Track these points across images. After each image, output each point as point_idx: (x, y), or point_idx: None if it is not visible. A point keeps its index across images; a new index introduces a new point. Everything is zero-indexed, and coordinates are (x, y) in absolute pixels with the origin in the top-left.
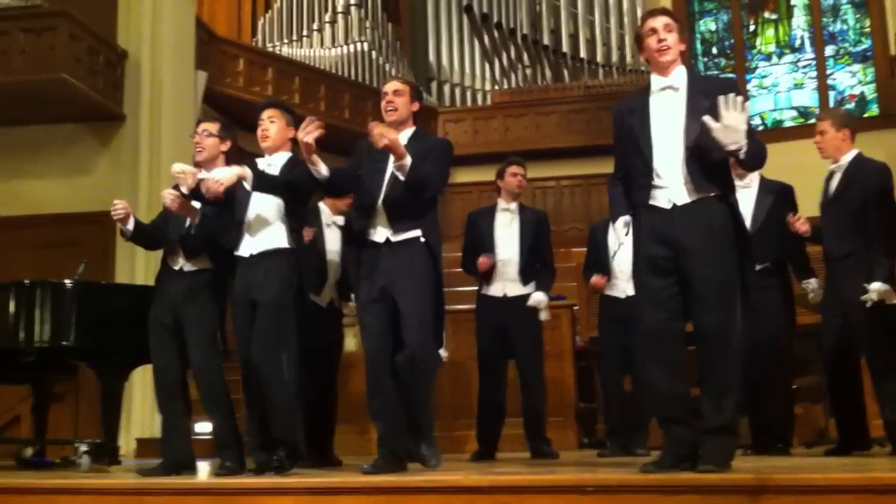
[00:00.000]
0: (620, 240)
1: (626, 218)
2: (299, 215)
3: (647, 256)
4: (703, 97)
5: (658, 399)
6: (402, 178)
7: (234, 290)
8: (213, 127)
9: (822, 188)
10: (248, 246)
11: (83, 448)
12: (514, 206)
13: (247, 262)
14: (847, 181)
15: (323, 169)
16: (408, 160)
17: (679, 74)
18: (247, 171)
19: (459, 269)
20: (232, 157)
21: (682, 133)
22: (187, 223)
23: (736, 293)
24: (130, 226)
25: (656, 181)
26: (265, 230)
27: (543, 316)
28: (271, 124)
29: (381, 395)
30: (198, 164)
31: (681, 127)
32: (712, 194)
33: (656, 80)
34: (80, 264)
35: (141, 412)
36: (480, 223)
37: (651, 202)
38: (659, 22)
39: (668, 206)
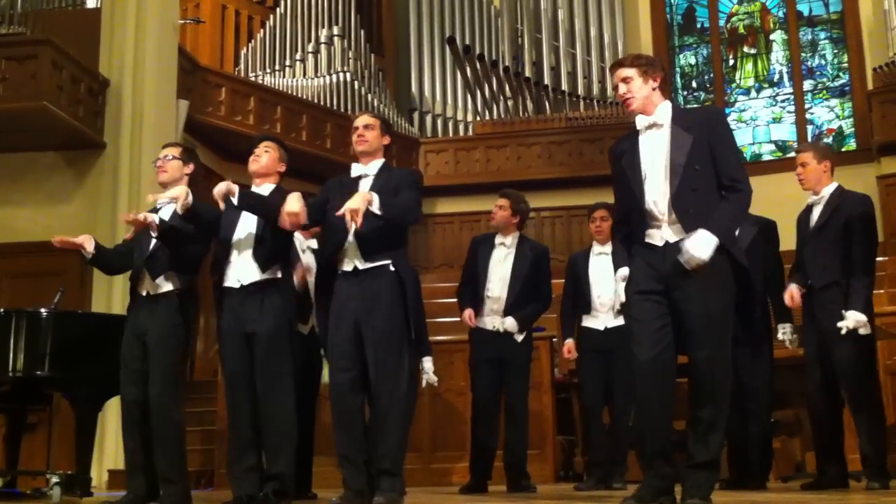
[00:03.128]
0: (621, 297)
1: (624, 272)
2: (284, 249)
3: (641, 291)
4: (685, 132)
5: (648, 432)
6: (378, 213)
7: (223, 321)
8: (175, 150)
9: (800, 222)
10: (239, 275)
11: (54, 479)
12: (509, 240)
13: (238, 292)
14: (830, 213)
15: None
16: (375, 199)
17: (663, 110)
18: (233, 186)
19: (442, 300)
20: (196, 181)
21: (667, 171)
22: (151, 245)
23: (727, 330)
24: (91, 248)
25: (650, 221)
26: (254, 260)
27: (518, 338)
28: (265, 153)
29: (347, 429)
30: (162, 185)
31: (665, 165)
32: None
33: (640, 119)
34: (57, 293)
35: (114, 443)
36: (479, 253)
37: (647, 240)
38: (616, 77)
39: (661, 244)
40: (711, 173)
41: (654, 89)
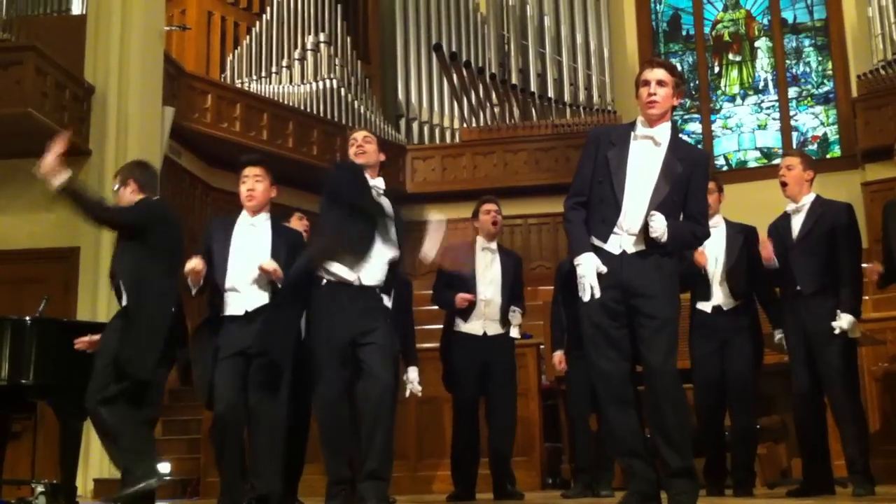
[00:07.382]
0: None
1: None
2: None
3: (599, 299)
4: (678, 162)
5: (616, 435)
6: None
7: (221, 342)
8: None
9: (776, 230)
10: (242, 304)
11: (40, 488)
12: (493, 245)
13: (241, 319)
14: (814, 220)
15: None
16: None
17: (664, 130)
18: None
19: (429, 308)
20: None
21: (652, 190)
22: None
23: (675, 336)
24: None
25: (612, 225)
26: (256, 291)
27: (515, 333)
28: (257, 183)
29: (343, 436)
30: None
31: (652, 184)
32: (661, 250)
33: (642, 127)
34: (41, 300)
35: (99, 452)
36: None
37: (605, 246)
38: (653, 75)
39: (618, 252)
40: (680, 208)
41: (671, 107)
